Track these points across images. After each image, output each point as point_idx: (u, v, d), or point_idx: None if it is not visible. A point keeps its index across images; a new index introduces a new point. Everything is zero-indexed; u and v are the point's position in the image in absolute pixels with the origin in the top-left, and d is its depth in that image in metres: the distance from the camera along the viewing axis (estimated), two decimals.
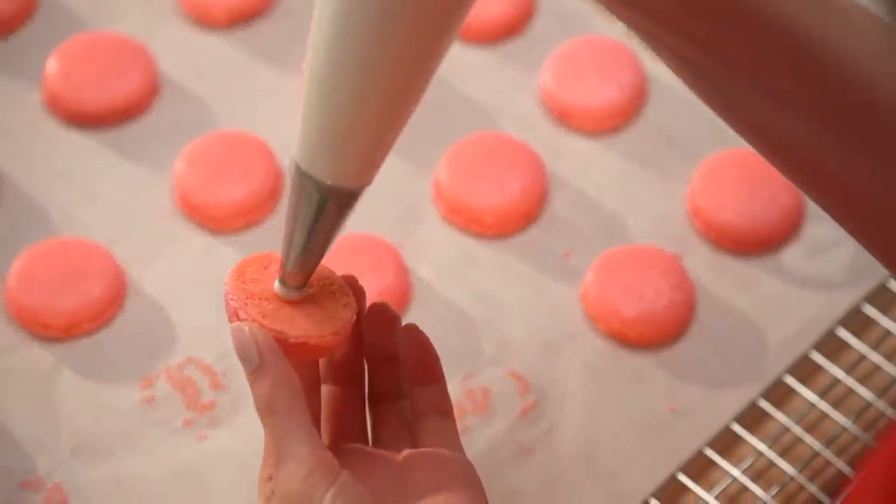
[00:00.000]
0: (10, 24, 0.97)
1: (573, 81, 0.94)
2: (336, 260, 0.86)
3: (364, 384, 0.70)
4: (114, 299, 0.86)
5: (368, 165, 0.64)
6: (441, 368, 0.69)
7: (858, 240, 0.63)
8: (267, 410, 0.64)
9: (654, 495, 0.81)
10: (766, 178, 0.90)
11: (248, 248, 0.89)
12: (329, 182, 0.63)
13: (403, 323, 0.70)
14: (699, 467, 0.82)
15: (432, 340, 0.85)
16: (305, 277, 0.66)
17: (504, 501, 0.80)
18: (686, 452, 0.82)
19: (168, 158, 0.92)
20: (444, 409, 0.69)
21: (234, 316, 0.65)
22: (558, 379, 0.84)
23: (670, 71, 0.63)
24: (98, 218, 0.90)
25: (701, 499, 0.81)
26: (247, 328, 0.64)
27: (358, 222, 0.90)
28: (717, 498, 0.81)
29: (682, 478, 0.81)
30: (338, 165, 0.63)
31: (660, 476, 0.81)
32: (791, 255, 0.89)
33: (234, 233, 0.90)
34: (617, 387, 0.84)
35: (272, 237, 0.89)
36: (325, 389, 0.70)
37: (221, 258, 0.88)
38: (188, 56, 0.96)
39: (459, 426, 0.82)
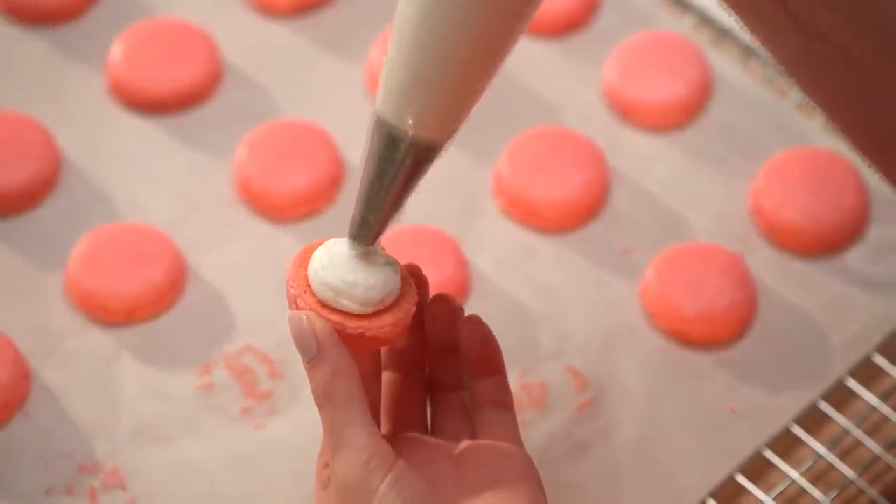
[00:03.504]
0: (77, 9, 0.97)
1: (637, 76, 0.94)
2: (396, 251, 0.87)
3: (425, 373, 0.70)
4: (174, 285, 0.86)
5: (452, 117, 0.63)
6: (503, 361, 0.69)
7: None
8: (324, 399, 0.64)
9: (712, 495, 0.80)
10: (830, 179, 0.90)
11: (308, 237, 0.89)
12: (412, 132, 0.62)
13: (466, 314, 0.69)
14: (757, 468, 0.81)
15: None
16: (375, 237, 0.65)
17: (559, 496, 0.80)
18: (744, 453, 0.81)
19: (230, 146, 0.92)
20: (504, 401, 0.69)
21: (293, 304, 0.65)
22: (616, 376, 0.84)
23: (745, 29, 0.62)
24: (159, 204, 0.90)
25: (759, 500, 0.80)
26: (305, 317, 0.64)
27: (418, 214, 0.90)
28: (774, 500, 0.80)
29: (740, 479, 0.81)
30: (421, 115, 0.62)
31: (717, 476, 0.81)
32: (855, 257, 0.88)
33: (294, 221, 0.90)
34: (675, 385, 0.84)
35: (332, 226, 0.89)
36: (386, 377, 0.70)
37: (281, 246, 0.89)
38: (252, 43, 0.97)
39: None
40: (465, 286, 0.87)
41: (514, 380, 0.84)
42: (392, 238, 0.87)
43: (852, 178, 0.90)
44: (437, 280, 0.85)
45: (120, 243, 0.87)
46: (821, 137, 0.93)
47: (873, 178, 0.91)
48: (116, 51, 0.94)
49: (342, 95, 0.95)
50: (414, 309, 0.66)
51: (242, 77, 0.95)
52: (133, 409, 0.82)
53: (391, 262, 0.66)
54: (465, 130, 0.93)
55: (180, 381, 0.83)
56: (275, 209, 0.90)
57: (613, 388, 0.84)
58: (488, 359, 0.69)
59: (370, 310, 0.65)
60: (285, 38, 0.97)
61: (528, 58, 0.96)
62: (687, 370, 0.84)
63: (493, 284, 0.88)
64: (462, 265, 0.87)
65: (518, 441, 0.68)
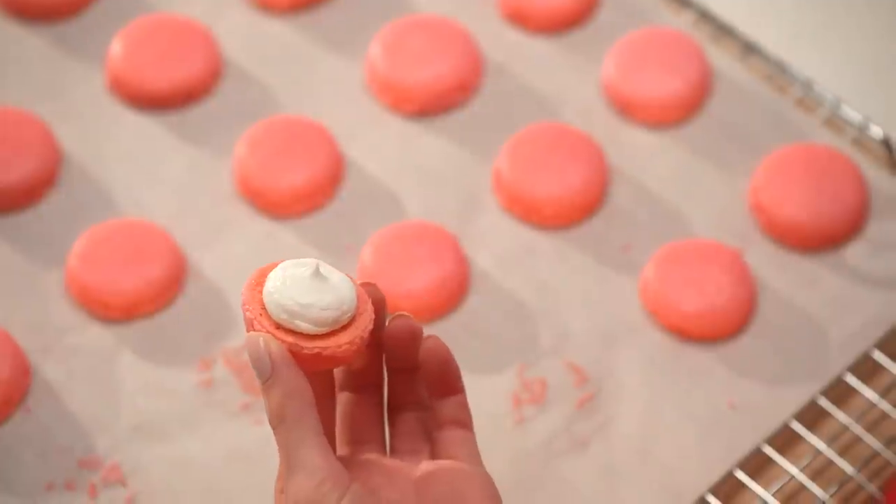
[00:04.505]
0: (77, 6, 0.97)
1: (637, 73, 0.94)
2: (397, 248, 0.87)
3: (382, 392, 0.70)
4: (174, 281, 0.86)
5: None
6: (461, 381, 0.69)
7: None
8: (277, 420, 0.64)
9: (712, 491, 0.80)
10: (830, 175, 0.90)
11: (308, 233, 0.89)
12: None
13: (425, 333, 0.69)
14: (757, 464, 0.81)
15: (490, 330, 0.86)
16: None
17: (558, 492, 0.80)
18: (744, 449, 0.81)
19: (229, 142, 0.92)
20: (463, 421, 0.68)
21: (249, 326, 0.64)
22: (616, 372, 0.84)
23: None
24: (159, 200, 0.90)
25: (758, 496, 0.80)
26: (261, 339, 0.63)
27: (418, 210, 0.90)
28: (774, 496, 0.80)
29: (740, 474, 0.81)
30: None
31: (717, 472, 0.81)
32: (854, 253, 0.89)
33: (293, 218, 0.90)
34: (675, 381, 0.84)
35: (332, 223, 0.89)
36: (343, 397, 0.69)
37: (281, 243, 0.89)
38: (251, 40, 0.97)
39: (516, 416, 0.82)
40: (464, 283, 0.87)
41: (514, 376, 0.84)
42: (392, 235, 0.87)
43: (851, 174, 0.90)
44: (437, 276, 0.85)
45: (120, 240, 0.87)
46: (820, 134, 0.93)
47: (872, 174, 0.91)
48: (116, 47, 0.94)
49: (342, 92, 0.95)
50: (371, 327, 0.65)
51: (242, 74, 0.95)
52: (133, 404, 0.83)
53: (346, 282, 0.65)
54: (464, 127, 0.93)
55: (180, 377, 0.84)
56: (274, 205, 0.90)
57: (613, 385, 0.84)
58: (448, 379, 0.68)
59: (326, 330, 0.64)
60: (285, 34, 0.97)
61: (527, 54, 0.96)
62: (686, 366, 0.84)
63: (493, 281, 0.88)
64: (462, 262, 0.87)
65: (478, 461, 0.68)
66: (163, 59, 0.94)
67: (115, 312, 0.85)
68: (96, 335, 0.85)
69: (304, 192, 0.90)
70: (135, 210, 0.90)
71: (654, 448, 0.82)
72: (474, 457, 0.67)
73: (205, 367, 0.84)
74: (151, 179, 0.91)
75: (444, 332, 0.85)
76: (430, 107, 0.93)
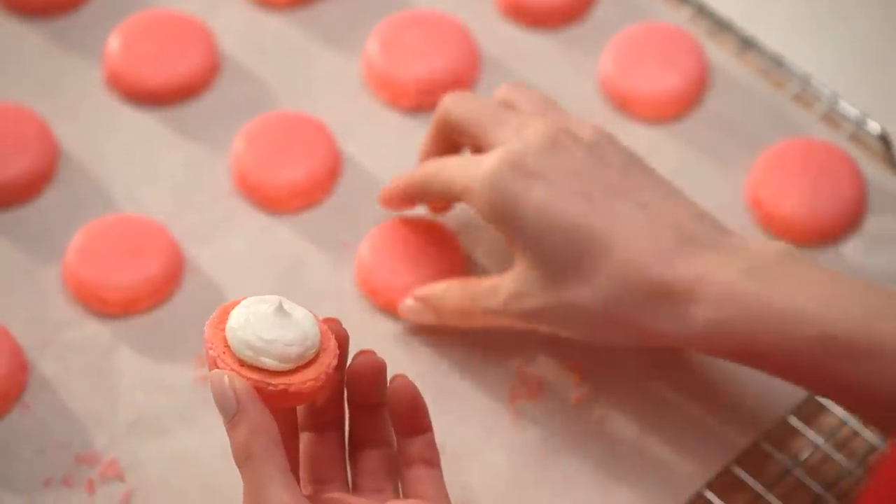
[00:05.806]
0: (74, 1, 0.97)
1: (634, 68, 0.94)
2: (397, 243, 0.87)
3: (344, 430, 0.70)
4: (171, 277, 0.86)
5: None
6: (429, 419, 0.69)
7: None
8: (243, 458, 0.63)
9: (709, 487, 0.80)
10: (827, 170, 0.90)
11: (305, 228, 0.89)
12: None
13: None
14: (755, 460, 0.81)
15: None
16: None
17: (556, 489, 0.80)
18: (742, 445, 0.81)
19: (227, 138, 0.92)
20: (431, 460, 0.68)
21: (213, 364, 0.64)
22: (613, 368, 0.84)
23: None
24: (157, 196, 0.90)
25: (756, 492, 0.80)
26: (226, 377, 0.63)
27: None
28: (772, 491, 0.80)
29: (737, 470, 0.81)
30: None
31: (714, 468, 0.81)
32: (851, 248, 0.89)
33: (291, 213, 0.90)
34: (672, 377, 0.84)
35: (329, 219, 0.89)
36: (305, 437, 0.69)
37: (278, 238, 0.89)
38: (249, 36, 0.97)
39: (512, 412, 0.82)
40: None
41: (511, 372, 0.84)
42: (390, 231, 0.87)
43: (849, 169, 0.90)
44: (436, 272, 0.85)
45: (117, 235, 0.87)
46: (817, 129, 0.93)
47: (870, 170, 0.91)
48: (114, 43, 0.94)
49: (339, 88, 0.95)
50: (335, 363, 0.65)
51: (240, 69, 0.95)
52: (131, 400, 0.83)
53: (309, 318, 0.65)
54: None
55: (178, 373, 0.84)
56: (272, 201, 0.90)
57: (610, 381, 0.84)
58: (415, 418, 0.68)
59: (291, 366, 0.64)
60: (283, 30, 0.97)
61: (525, 50, 0.96)
62: (683, 362, 0.85)
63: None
64: (461, 258, 0.87)
65: (445, 498, 0.68)
66: (160, 55, 0.94)
67: (113, 308, 0.85)
68: (94, 331, 0.85)
69: (302, 188, 0.90)
70: (132, 206, 0.90)
71: (651, 444, 0.82)
72: (441, 495, 0.67)
73: (202, 362, 0.84)
74: (149, 175, 0.91)
75: (442, 329, 0.85)
76: (428, 102, 0.93)
